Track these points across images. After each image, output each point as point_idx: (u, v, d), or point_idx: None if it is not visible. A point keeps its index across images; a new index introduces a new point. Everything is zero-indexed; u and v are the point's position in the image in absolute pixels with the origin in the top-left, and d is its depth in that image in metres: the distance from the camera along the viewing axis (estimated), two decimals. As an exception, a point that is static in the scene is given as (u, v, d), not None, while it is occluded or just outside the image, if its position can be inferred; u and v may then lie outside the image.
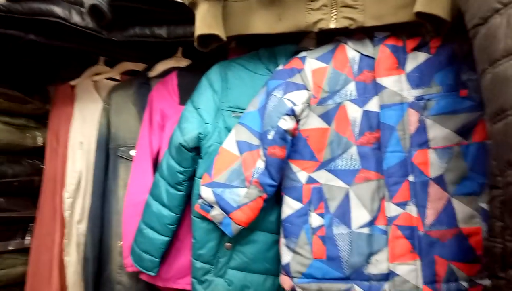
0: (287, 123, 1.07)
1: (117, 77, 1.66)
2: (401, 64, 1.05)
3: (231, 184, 1.10)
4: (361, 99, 1.07)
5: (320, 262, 1.04)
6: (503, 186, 0.69)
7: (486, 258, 0.91)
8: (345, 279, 1.02)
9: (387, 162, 1.02)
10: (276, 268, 1.15)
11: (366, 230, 1.03)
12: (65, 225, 1.51)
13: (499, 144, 0.70)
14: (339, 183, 1.06)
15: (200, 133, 1.19)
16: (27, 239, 1.64)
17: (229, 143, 1.13)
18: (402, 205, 1.00)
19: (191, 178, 1.22)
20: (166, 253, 1.26)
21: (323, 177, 1.08)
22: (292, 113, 1.07)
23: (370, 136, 1.06)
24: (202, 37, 1.09)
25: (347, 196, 1.05)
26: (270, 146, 1.07)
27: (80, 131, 1.57)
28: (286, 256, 1.08)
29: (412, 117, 1.02)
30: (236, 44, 1.39)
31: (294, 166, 1.10)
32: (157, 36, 1.30)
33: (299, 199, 1.08)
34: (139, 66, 1.60)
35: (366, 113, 1.06)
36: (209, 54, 1.17)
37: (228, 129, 1.17)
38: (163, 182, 1.23)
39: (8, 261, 1.60)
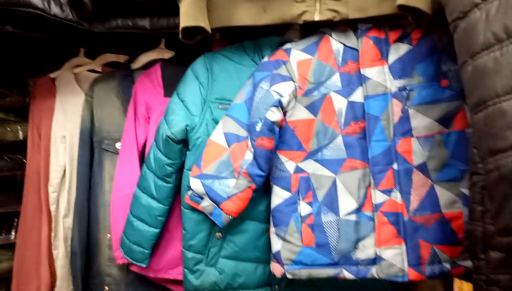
0: (274, 115, 1.08)
1: (99, 69, 1.64)
2: (384, 55, 1.08)
3: (220, 175, 1.11)
4: (346, 90, 1.09)
5: (309, 249, 1.07)
6: (484, 173, 0.73)
7: (467, 241, 0.96)
8: (334, 264, 1.06)
9: (372, 151, 1.05)
10: (266, 256, 1.18)
11: (353, 217, 1.06)
12: (51, 219, 1.50)
13: (480, 133, 0.73)
14: (326, 172, 1.09)
15: (187, 125, 1.19)
16: (13, 234, 1.62)
17: (217, 135, 1.14)
18: (387, 192, 1.04)
19: (179, 170, 1.22)
20: (156, 244, 1.27)
21: (311, 167, 1.11)
22: (279, 105, 1.09)
23: (355, 126, 1.09)
24: (187, 29, 1.08)
25: (334, 185, 1.08)
26: (258, 137, 1.08)
27: (62, 124, 1.54)
28: (276, 244, 1.11)
29: (396, 107, 1.05)
30: (220, 35, 1.39)
31: (282, 156, 1.13)
32: (140, 28, 1.27)
33: (287, 189, 1.11)
34: (120, 58, 1.58)
35: (351, 104, 1.09)
36: (192, 45, 1.16)
37: (216, 121, 1.18)
38: (151, 174, 1.23)
39: (-6, 257, 1.58)
